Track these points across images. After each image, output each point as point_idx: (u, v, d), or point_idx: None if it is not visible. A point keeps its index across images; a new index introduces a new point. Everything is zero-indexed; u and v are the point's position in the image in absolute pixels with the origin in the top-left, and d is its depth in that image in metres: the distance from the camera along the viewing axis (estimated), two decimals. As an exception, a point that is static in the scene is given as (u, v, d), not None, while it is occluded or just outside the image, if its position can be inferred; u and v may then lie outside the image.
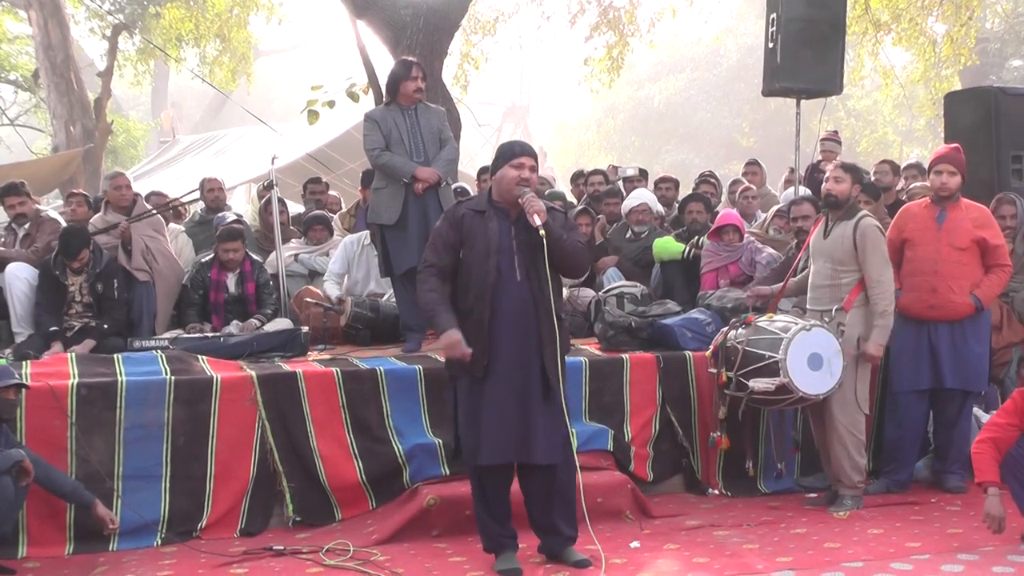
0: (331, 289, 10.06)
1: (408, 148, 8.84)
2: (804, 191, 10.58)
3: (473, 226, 6.18)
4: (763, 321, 7.65)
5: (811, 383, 7.39)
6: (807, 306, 7.96)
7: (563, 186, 15.93)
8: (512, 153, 6.23)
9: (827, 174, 7.90)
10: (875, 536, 6.86)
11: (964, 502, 7.68)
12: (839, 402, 7.57)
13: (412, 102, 8.93)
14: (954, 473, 8.09)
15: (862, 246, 7.55)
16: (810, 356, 7.34)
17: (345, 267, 10.29)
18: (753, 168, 13.09)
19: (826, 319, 7.61)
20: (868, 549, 6.54)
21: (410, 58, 9.47)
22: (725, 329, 7.89)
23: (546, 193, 11.16)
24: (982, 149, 10.11)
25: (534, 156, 6.30)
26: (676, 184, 12.69)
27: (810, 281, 7.92)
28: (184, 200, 12.31)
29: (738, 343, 7.59)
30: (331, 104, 13.82)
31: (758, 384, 7.44)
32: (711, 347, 7.95)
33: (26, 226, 9.84)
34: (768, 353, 7.41)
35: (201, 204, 11.81)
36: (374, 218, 9.01)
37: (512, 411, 6.04)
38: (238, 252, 9.51)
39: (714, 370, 7.82)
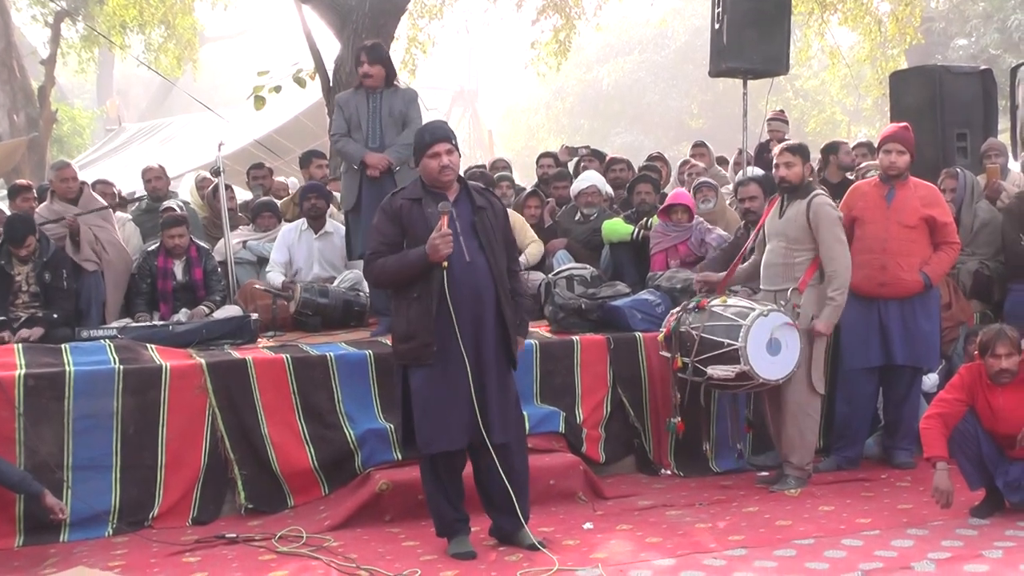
0: (275, 279, 9.96)
1: (365, 133, 8.86)
2: (753, 171, 10.59)
3: (412, 215, 6.10)
4: (717, 306, 7.58)
5: (770, 368, 7.37)
6: (760, 286, 7.96)
7: (515, 172, 15.89)
8: (424, 143, 6.16)
9: (775, 160, 7.90)
10: (826, 513, 6.91)
11: (913, 478, 7.75)
12: (794, 382, 7.56)
13: (371, 87, 8.91)
14: (903, 449, 8.15)
15: (816, 223, 7.57)
16: (768, 341, 7.31)
17: (287, 255, 10.20)
18: (700, 149, 13.08)
19: (781, 300, 7.61)
20: (819, 526, 6.58)
21: (364, 43, 9.51)
22: (676, 311, 7.85)
23: (496, 177, 11.20)
24: (927, 127, 10.21)
25: (447, 138, 6.18)
26: (629, 164, 12.64)
27: (764, 260, 7.92)
28: (130, 198, 12.22)
29: (693, 329, 7.52)
30: (277, 90, 13.79)
31: (716, 371, 7.40)
32: (663, 331, 7.91)
33: (-29, 216, 9.74)
34: (726, 340, 7.35)
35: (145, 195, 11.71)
36: (341, 202, 9.19)
37: (467, 394, 5.95)
38: (183, 238, 9.49)
39: (667, 354, 7.79)
